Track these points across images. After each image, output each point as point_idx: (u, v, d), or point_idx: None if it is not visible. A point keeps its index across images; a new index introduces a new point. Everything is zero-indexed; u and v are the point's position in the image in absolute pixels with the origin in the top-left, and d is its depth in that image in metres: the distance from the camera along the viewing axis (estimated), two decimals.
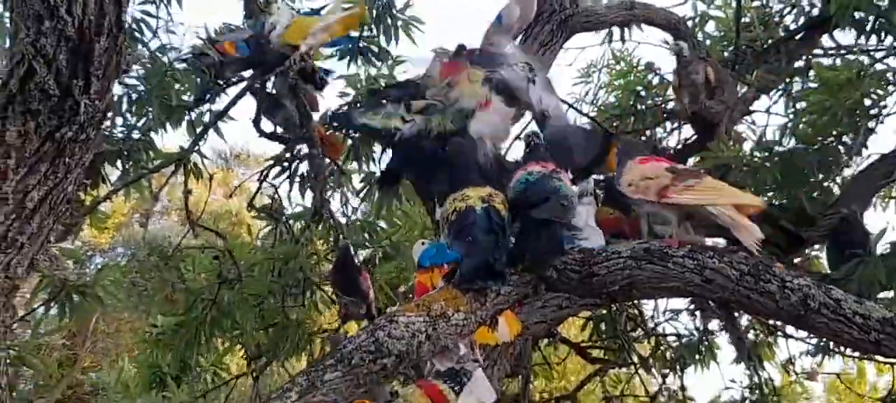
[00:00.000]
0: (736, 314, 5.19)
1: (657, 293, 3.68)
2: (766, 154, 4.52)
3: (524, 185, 3.78)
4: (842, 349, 5.03)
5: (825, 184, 4.56)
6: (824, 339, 4.54)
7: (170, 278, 5.16)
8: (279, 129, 5.62)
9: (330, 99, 6.07)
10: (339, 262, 4.63)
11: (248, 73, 5.35)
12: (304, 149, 5.56)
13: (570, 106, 6.10)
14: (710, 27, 6.53)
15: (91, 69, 2.93)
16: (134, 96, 5.19)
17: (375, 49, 5.89)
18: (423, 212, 5.17)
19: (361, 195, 5.78)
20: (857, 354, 5.18)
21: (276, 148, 5.78)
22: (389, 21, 5.94)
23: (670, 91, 5.96)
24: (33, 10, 2.80)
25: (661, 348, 6.29)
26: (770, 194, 4.69)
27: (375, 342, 3.22)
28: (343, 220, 5.69)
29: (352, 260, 4.58)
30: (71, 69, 2.89)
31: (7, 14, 3.27)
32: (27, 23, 2.84)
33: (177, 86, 5.15)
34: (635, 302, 5.87)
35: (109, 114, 4.14)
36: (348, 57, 5.88)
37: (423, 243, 4.25)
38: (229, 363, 6.09)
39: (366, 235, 5.76)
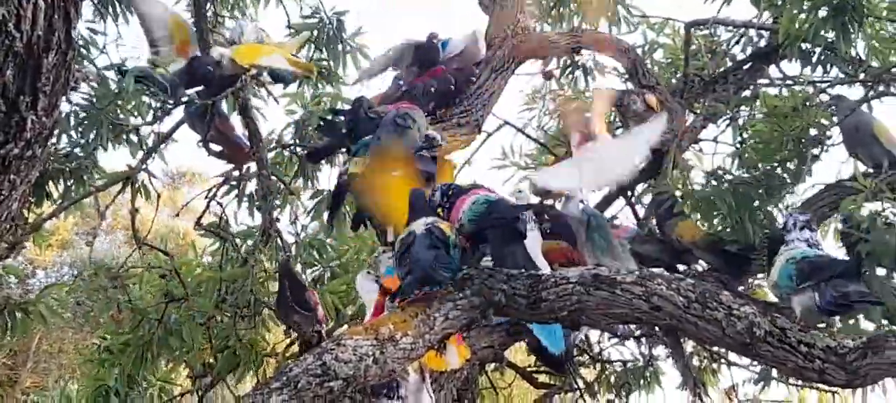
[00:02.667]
0: (682, 340, 5.21)
1: (605, 319, 3.68)
2: (715, 183, 4.56)
3: (486, 204, 3.81)
4: (785, 377, 5.07)
5: (770, 209, 4.60)
6: (768, 367, 4.56)
7: (116, 297, 5.10)
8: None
9: (277, 117, 6.10)
10: (281, 276, 4.59)
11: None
12: (253, 167, 5.55)
13: (519, 130, 6.13)
14: (659, 55, 6.61)
15: (39, 85, 2.88)
16: (81, 114, 5.14)
17: (324, 72, 5.91)
18: (372, 233, 5.16)
19: (311, 213, 5.79)
20: (800, 382, 5.22)
21: (223, 166, 5.76)
22: (339, 46, 5.94)
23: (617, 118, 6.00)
24: None
25: (607, 373, 6.30)
26: (718, 222, 4.73)
27: (322, 365, 3.21)
28: (292, 239, 5.68)
29: (294, 274, 4.55)
30: (18, 85, 2.84)
31: None
32: None
33: (124, 105, 5.13)
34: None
35: (56, 131, 4.10)
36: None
37: (369, 273, 4.27)
38: (176, 380, 6.02)
39: (315, 253, 5.74)
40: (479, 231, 3.81)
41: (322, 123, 5.28)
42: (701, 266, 5.14)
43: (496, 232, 3.78)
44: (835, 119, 4.54)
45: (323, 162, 5.79)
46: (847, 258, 3.54)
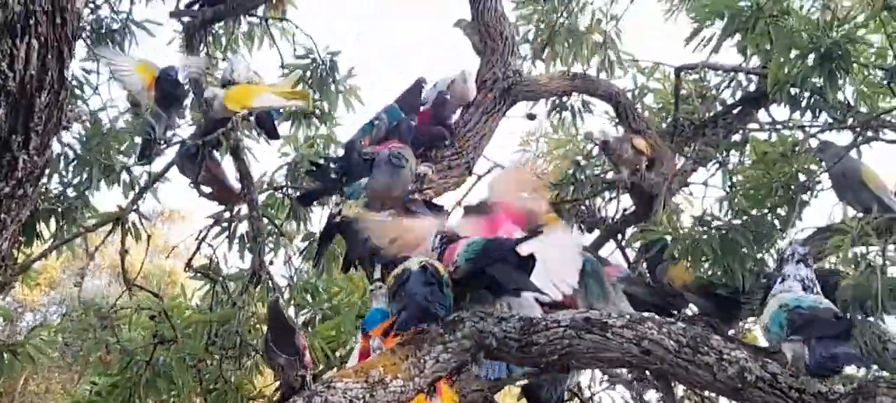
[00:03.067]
0: (673, 384, 5.20)
1: (596, 363, 3.68)
2: (704, 228, 4.56)
3: (483, 244, 3.82)
4: None
5: (759, 255, 4.60)
6: None
7: (105, 338, 5.08)
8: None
9: (270, 158, 6.11)
10: (270, 317, 4.57)
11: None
12: (244, 209, 5.54)
13: None
14: (649, 99, 6.63)
15: (31, 124, 2.88)
16: (72, 155, 5.15)
17: (318, 112, 5.93)
18: (362, 275, 5.15)
19: (303, 255, 5.79)
20: None
21: (209, 207, 5.76)
22: (332, 86, 5.97)
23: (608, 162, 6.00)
24: None
25: None
26: (707, 268, 4.73)
27: None
28: (284, 281, 5.67)
29: (283, 315, 4.54)
30: (10, 124, 2.85)
31: None
32: None
33: (115, 146, 5.14)
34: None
35: (47, 171, 4.10)
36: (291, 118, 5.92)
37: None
38: None
39: (308, 296, 5.73)
40: (478, 269, 3.81)
41: (313, 167, 5.29)
42: (692, 309, 5.13)
43: (500, 266, 3.78)
44: (824, 164, 4.55)
45: (314, 204, 5.79)
46: (835, 311, 3.48)
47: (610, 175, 6.11)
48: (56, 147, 5.18)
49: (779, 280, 3.67)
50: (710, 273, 4.71)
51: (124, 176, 5.42)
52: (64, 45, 2.89)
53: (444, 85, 5.63)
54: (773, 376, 3.26)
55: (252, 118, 5.48)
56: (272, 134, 5.67)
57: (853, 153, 4.78)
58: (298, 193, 5.71)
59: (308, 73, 6.04)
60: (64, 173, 5.28)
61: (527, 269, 3.78)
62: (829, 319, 3.34)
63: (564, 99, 6.53)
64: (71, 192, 5.28)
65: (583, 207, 6.22)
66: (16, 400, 12.74)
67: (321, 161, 5.41)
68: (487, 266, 3.78)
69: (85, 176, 5.17)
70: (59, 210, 5.29)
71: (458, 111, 5.68)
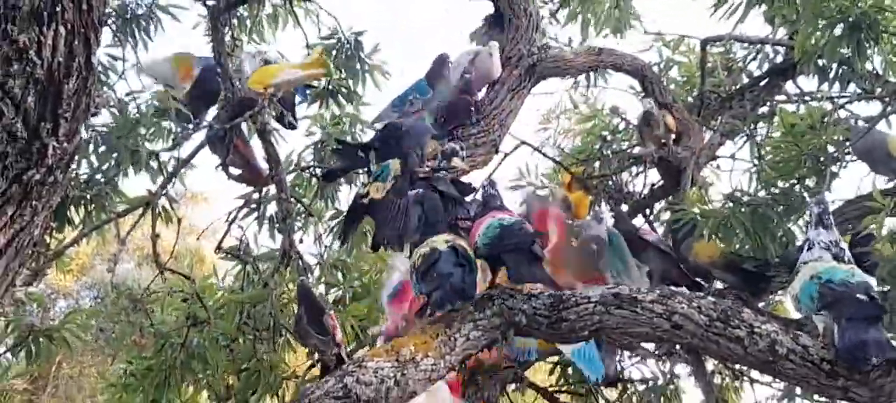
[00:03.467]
0: (703, 358, 5.19)
1: (626, 338, 3.68)
2: (733, 204, 4.54)
3: (500, 228, 3.81)
4: (809, 394, 5.05)
5: (789, 226, 4.58)
6: (792, 384, 4.54)
7: (139, 321, 5.11)
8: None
9: (297, 139, 6.11)
10: (299, 298, 4.58)
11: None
12: (273, 190, 5.56)
13: (536, 149, 6.12)
14: (675, 73, 6.60)
15: (60, 111, 2.90)
16: (100, 141, 5.17)
17: (344, 90, 5.94)
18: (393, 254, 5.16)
19: (333, 234, 5.80)
20: (824, 400, 5.18)
21: (235, 189, 5.78)
22: (357, 65, 5.98)
23: (635, 136, 5.98)
24: (1, 51, 2.78)
25: (628, 392, 6.27)
26: (737, 243, 4.70)
27: (344, 387, 3.21)
28: (314, 260, 5.69)
29: (313, 296, 4.54)
30: (39, 111, 2.86)
31: None
32: None
33: (143, 132, 5.16)
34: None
35: (76, 157, 4.12)
36: (318, 99, 5.94)
37: None
38: None
39: (339, 274, 5.75)
40: (494, 254, 3.82)
41: (339, 146, 5.31)
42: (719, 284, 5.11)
43: (513, 255, 3.78)
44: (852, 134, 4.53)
45: (340, 181, 5.81)
46: (868, 286, 3.40)
47: (636, 150, 6.09)
48: (84, 134, 5.22)
49: (806, 247, 3.64)
50: (737, 247, 4.70)
51: (152, 161, 5.45)
52: (90, 32, 2.91)
53: (467, 59, 5.60)
54: (805, 348, 3.26)
55: (275, 101, 5.48)
56: (292, 125, 5.68)
57: (883, 124, 4.75)
58: (322, 171, 5.72)
59: (333, 53, 6.04)
60: (93, 160, 5.31)
61: (539, 259, 3.79)
62: (862, 299, 3.27)
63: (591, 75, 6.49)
64: (100, 178, 5.31)
65: (610, 182, 6.21)
66: (50, 384, 12.85)
67: (347, 139, 5.44)
68: (502, 252, 3.79)
69: (113, 162, 5.20)
70: (89, 196, 5.33)
71: (484, 88, 5.66)
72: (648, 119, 5.48)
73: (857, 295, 3.28)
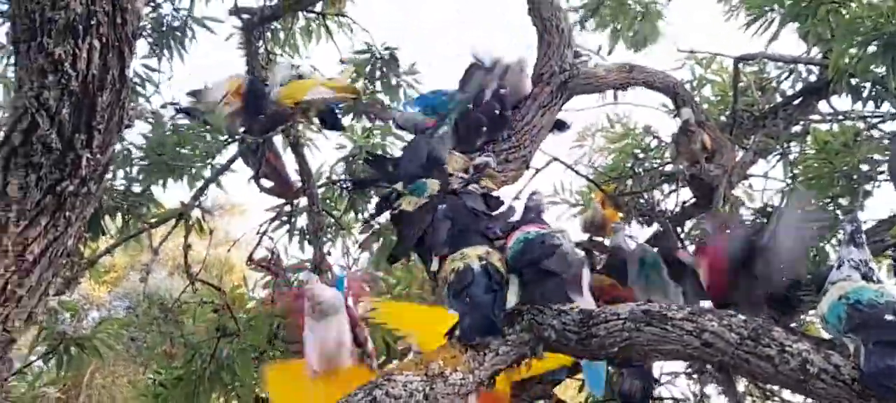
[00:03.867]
0: (734, 377, 5.16)
1: (656, 356, 3.66)
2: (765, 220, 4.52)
3: (523, 243, 3.80)
4: None
5: (821, 245, 4.55)
6: None
7: (169, 331, 5.14)
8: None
9: (328, 152, 6.14)
10: None
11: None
12: (303, 202, 5.59)
13: (568, 166, 6.11)
14: (707, 91, 6.58)
15: (94, 123, 2.93)
16: (135, 152, 5.23)
17: (377, 104, 5.97)
18: (421, 267, 5.16)
19: (361, 247, 5.82)
20: None
21: (267, 201, 5.81)
22: (392, 81, 6.00)
23: (668, 154, 5.96)
24: (37, 63, 2.81)
25: None
26: None
27: (373, 400, 3.21)
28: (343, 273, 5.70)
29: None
30: (74, 123, 2.90)
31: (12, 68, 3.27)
32: (31, 76, 2.85)
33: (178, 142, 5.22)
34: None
35: (111, 168, 4.15)
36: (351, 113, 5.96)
37: None
38: None
39: (366, 287, 5.76)
40: (517, 268, 3.80)
41: (370, 158, 5.32)
42: None
43: (530, 270, 3.76)
44: (887, 154, 4.50)
45: (371, 193, 5.83)
46: None
47: (668, 167, 6.08)
48: (119, 146, 5.27)
49: (836, 265, 3.61)
50: None
51: (187, 172, 5.50)
52: (125, 45, 2.94)
53: (500, 70, 5.59)
54: (837, 368, 3.22)
55: (311, 112, 5.51)
56: (337, 125, 5.69)
57: None
58: (352, 181, 5.73)
59: (367, 68, 6.07)
60: (128, 170, 5.36)
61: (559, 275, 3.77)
62: (890, 320, 3.21)
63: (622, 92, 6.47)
64: (136, 188, 5.36)
65: (642, 200, 6.19)
66: (83, 393, 12.94)
67: (379, 154, 5.46)
68: (521, 266, 3.78)
69: (148, 173, 5.25)
70: (124, 206, 5.38)
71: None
72: (687, 129, 5.45)
73: (886, 317, 3.24)
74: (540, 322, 3.64)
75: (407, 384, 3.30)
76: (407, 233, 4.51)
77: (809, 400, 3.89)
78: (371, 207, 6.00)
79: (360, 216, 6.07)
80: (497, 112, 5.35)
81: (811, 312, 5.12)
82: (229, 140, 5.37)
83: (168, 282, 11.68)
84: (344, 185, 6.04)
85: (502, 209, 4.61)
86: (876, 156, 4.46)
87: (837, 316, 3.36)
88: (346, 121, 6.09)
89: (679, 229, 6.10)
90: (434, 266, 4.53)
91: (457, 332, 3.54)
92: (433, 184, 4.58)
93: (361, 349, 4.29)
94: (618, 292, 4.56)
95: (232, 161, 5.55)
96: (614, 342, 3.53)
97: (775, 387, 5.63)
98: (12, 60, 3.34)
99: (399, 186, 4.71)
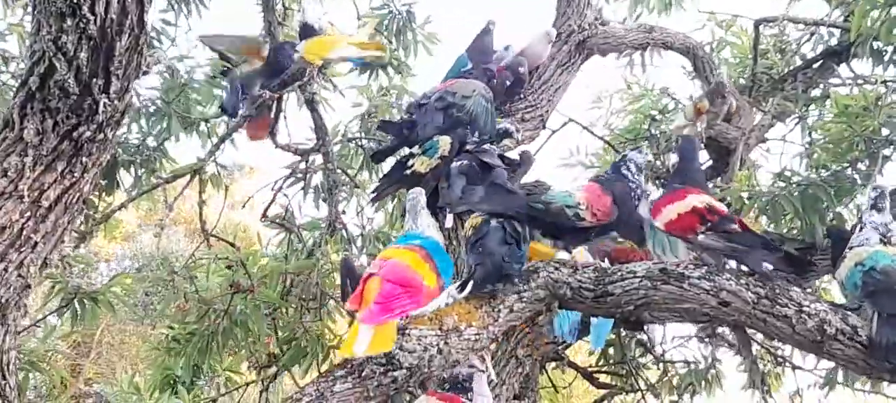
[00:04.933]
0: (750, 337, 5.14)
1: (672, 314, 3.64)
2: (784, 184, 4.48)
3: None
4: (852, 380, 5.00)
5: (839, 210, 4.51)
6: (838, 365, 4.47)
7: (183, 287, 5.13)
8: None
9: (344, 109, 6.10)
10: (342, 274, 4.59)
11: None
12: (319, 159, 5.57)
13: (584, 127, 6.08)
14: (727, 53, 6.52)
15: (111, 68, 2.92)
16: (151, 106, 5.22)
17: (394, 62, 5.93)
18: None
19: (375, 206, 5.80)
20: (866, 388, 5.12)
21: (287, 159, 5.79)
22: (409, 36, 5.96)
23: (684, 115, 5.90)
24: (56, 7, 2.79)
25: (669, 375, 6.23)
26: (787, 223, 4.66)
27: (387, 354, 3.20)
28: (357, 231, 5.70)
29: (355, 271, 4.54)
30: (91, 68, 2.88)
31: (29, 11, 3.24)
32: (49, 20, 2.83)
33: (193, 96, 5.20)
34: (644, 328, 5.82)
35: (126, 121, 4.14)
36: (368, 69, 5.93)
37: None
38: (244, 370, 6.04)
39: (381, 246, 5.75)
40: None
41: (384, 124, 5.30)
42: None
43: None
44: None
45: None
46: None
47: (686, 130, 6.04)
48: (136, 100, 5.27)
49: (858, 228, 3.59)
50: (785, 228, 4.65)
51: (202, 127, 5.49)
52: None
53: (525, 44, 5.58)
54: (854, 329, 3.22)
55: (329, 68, 5.49)
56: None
57: None
58: (372, 152, 5.69)
59: (385, 23, 6.03)
60: (143, 124, 5.35)
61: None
62: None
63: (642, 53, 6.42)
64: (151, 142, 5.35)
65: (658, 162, 6.15)
66: (93, 350, 12.98)
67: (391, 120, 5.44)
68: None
69: (164, 125, 5.24)
70: (139, 160, 5.37)
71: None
72: (720, 90, 5.40)
73: None
74: (555, 279, 3.64)
75: (421, 338, 3.31)
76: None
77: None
78: (385, 167, 5.99)
79: (375, 175, 6.04)
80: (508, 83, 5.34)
81: (826, 277, 5.12)
82: (244, 96, 5.33)
83: (184, 244, 11.72)
84: (360, 145, 6.01)
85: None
86: None
87: (854, 283, 3.37)
88: (363, 79, 6.08)
89: None
90: (448, 222, 4.53)
91: (469, 285, 3.53)
92: (444, 142, 4.57)
93: None
94: (635, 255, 4.54)
95: (246, 118, 5.52)
96: (631, 300, 3.53)
97: (787, 353, 5.63)
98: (29, 8, 3.32)
99: (415, 149, 4.72)
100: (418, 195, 3.75)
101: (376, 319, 3.14)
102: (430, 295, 3.36)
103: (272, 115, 5.51)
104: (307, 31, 5.23)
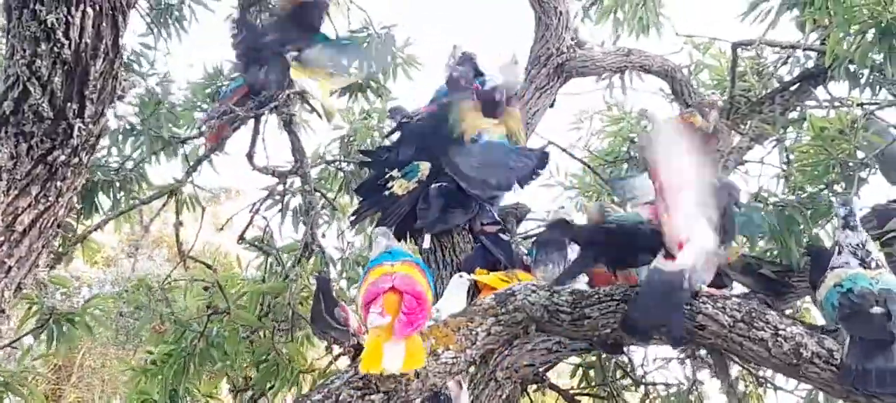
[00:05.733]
0: (727, 360, 5.15)
1: (649, 337, 3.66)
2: (761, 204, 4.50)
3: None
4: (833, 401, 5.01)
5: (815, 232, 4.53)
6: (816, 389, 4.49)
7: (159, 309, 5.12)
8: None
9: (324, 132, 6.12)
10: (317, 292, 4.58)
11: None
12: (297, 182, 5.57)
13: (563, 150, 6.09)
14: (705, 76, 6.55)
15: (86, 92, 2.91)
16: (128, 127, 5.21)
17: (374, 84, 5.93)
18: (415, 249, 5.15)
19: (355, 229, 5.79)
20: None
21: (267, 182, 5.78)
22: (389, 58, 5.97)
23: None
24: (30, 31, 2.78)
25: (651, 397, 6.24)
26: (762, 245, 4.67)
27: (364, 378, 3.20)
28: (337, 254, 5.69)
29: (330, 290, 4.53)
30: (66, 92, 2.87)
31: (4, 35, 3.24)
32: (23, 45, 2.82)
33: (172, 118, 5.20)
34: (624, 350, 5.81)
35: (104, 143, 4.12)
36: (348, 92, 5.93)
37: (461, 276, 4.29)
38: (219, 394, 6.01)
39: (360, 270, 5.74)
40: None
41: (365, 157, 5.31)
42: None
43: None
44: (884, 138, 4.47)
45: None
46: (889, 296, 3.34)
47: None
48: (114, 121, 5.27)
49: (835, 251, 3.60)
50: (760, 249, 4.66)
51: (182, 148, 5.49)
52: (118, 14, 2.91)
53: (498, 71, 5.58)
54: (830, 352, 3.23)
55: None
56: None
57: None
58: (357, 186, 5.68)
59: (365, 45, 6.03)
60: (121, 146, 5.35)
61: None
62: (875, 315, 3.22)
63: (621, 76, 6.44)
64: (129, 165, 5.35)
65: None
66: (74, 374, 12.92)
67: (371, 149, 5.46)
68: None
69: (142, 148, 5.24)
70: (117, 183, 5.36)
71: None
72: (702, 110, 5.41)
73: (871, 311, 3.23)
74: (532, 302, 3.64)
75: None
76: (390, 216, 4.53)
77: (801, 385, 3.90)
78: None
79: (354, 199, 6.04)
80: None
81: (807, 298, 5.13)
82: (220, 116, 5.32)
83: (164, 267, 11.68)
84: (340, 168, 6.01)
85: None
86: (874, 140, 4.42)
87: (832, 304, 3.37)
88: (342, 102, 6.08)
89: None
90: (426, 243, 4.53)
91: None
92: (424, 167, 4.58)
93: (347, 328, 4.27)
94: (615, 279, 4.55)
95: (224, 141, 5.52)
96: (607, 323, 3.53)
97: (768, 374, 5.63)
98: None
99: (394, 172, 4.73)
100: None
101: (405, 332, 3.14)
102: (430, 310, 3.39)
103: (231, 129, 5.50)
104: None
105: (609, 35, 6.65)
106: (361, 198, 5.10)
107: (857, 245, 3.52)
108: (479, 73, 5.47)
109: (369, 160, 5.38)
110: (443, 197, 4.49)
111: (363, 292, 3.42)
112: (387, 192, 4.61)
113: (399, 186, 4.59)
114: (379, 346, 3.13)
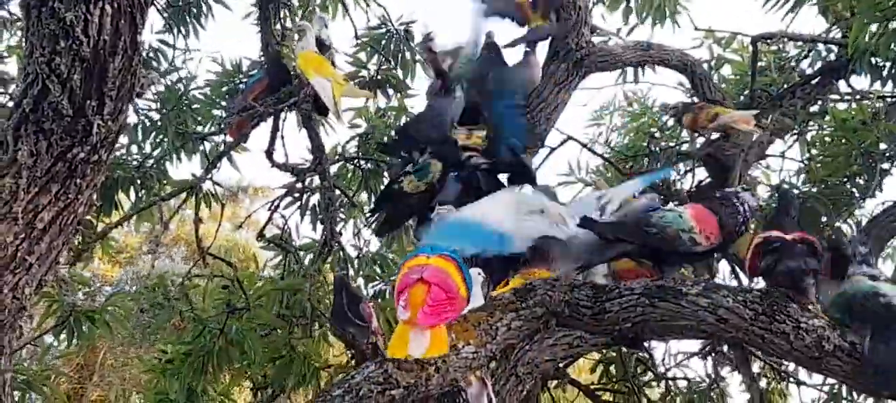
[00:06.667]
0: (749, 354, 5.13)
1: (670, 332, 3.63)
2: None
3: None
4: (856, 394, 4.99)
5: (838, 224, 4.51)
6: (838, 382, 4.47)
7: (179, 306, 5.13)
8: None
9: (343, 129, 6.12)
10: (336, 289, 4.58)
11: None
12: (317, 180, 5.57)
13: (583, 145, 6.08)
14: (726, 70, 6.52)
15: (105, 89, 2.91)
16: (148, 124, 5.22)
17: (393, 81, 5.93)
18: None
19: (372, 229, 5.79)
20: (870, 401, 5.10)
21: (286, 179, 5.79)
22: (407, 55, 5.97)
23: (684, 133, 5.91)
24: (48, 29, 2.80)
25: (672, 393, 6.22)
26: None
27: (384, 373, 3.19)
28: (354, 252, 5.69)
29: (350, 286, 4.53)
30: (85, 89, 2.88)
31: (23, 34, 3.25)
32: (42, 42, 2.83)
33: (192, 115, 5.21)
34: (646, 345, 5.80)
35: (124, 141, 4.12)
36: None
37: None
38: (237, 394, 6.01)
39: (377, 268, 5.74)
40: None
41: (385, 145, 5.30)
42: None
43: None
44: None
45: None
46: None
47: (684, 147, 6.04)
48: (133, 118, 5.28)
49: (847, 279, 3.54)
50: None
51: (202, 146, 5.51)
52: (137, 11, 2.92)
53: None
54: (852, 345, 3.20)
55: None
56: (322, 111, 5.62)
57: None
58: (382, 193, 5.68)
59: (382, 43, 6.03)
60: (141, 144, 5.36)
61: None
62: (885, 304, 3.22)
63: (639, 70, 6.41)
64: (150, 163, 5.36)
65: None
66: (96, 373, 12.98)
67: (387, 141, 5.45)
68: None
69: (163, 145, 5.25)
70: (138, 180, 5.38)
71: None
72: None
73: (881, 301, 3.21)
74: (552, 297, 3.62)
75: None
76: (396, 212, 4.52)
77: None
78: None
79: (373, 196, 6.04)
80: None
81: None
82: (240, 112, 5.33)
83: (183, 266, 11.73)
84: (358, 166, 6.01)
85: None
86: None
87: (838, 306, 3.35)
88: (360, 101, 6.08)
89: None
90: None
91: None
92: (436, 168, 4.56)
93: (368, 325, 4.27)
94: (642, 272, 4.52)
95: (244, 137, 5.53)
96: (628, 317, 3.51)
97: (790, 368, 5.61)
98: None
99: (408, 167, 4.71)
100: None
101: (429, 321, 3.16)
102: (463, 306, 3.38)
103: (250, 125, 5.51)
104: (320, 49, 5.22)
105: (621, 22, 6.65)
106: (376, 199, 5.10)
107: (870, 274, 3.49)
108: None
109: (390, 155, 5.35)
110: (459, 181, 4.49)
111: (397, 281, 3.42)
112: (396, 186, 4.58)
113: (408, 183, 4.56)
114: (405, 333, 3.16)
